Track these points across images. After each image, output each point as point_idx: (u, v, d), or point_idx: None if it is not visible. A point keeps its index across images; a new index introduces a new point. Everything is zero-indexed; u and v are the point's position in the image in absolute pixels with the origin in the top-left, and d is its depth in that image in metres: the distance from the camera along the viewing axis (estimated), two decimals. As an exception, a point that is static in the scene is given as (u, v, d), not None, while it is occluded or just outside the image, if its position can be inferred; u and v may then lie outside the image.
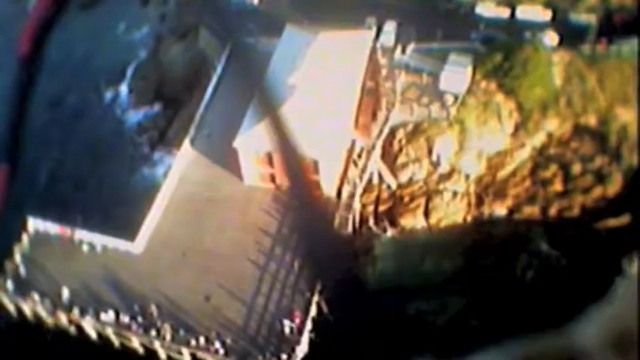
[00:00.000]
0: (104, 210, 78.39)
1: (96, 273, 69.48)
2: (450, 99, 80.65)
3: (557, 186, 79.51)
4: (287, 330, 63.98)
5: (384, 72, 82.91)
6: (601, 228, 76.65)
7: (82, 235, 72.26)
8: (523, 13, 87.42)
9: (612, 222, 76.63)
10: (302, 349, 63.15)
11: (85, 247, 71.88)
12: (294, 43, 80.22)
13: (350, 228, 73.84)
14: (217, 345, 63.76)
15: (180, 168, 78.03)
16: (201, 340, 64.25)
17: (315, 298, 66.20)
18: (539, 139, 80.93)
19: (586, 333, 3.60)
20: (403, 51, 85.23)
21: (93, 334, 69.35)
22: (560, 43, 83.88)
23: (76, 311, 67.58)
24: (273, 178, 74.58)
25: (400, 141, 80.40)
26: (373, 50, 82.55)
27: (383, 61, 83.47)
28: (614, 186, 78.30)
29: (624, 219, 76.43)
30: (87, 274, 69.29)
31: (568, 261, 74.59)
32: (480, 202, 79.59)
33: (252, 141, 71.20)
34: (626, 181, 78.04)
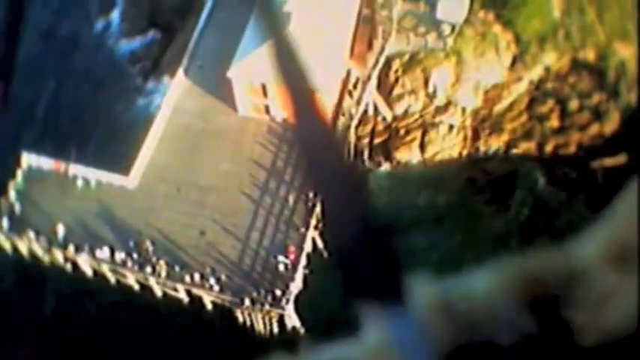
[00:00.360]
0: (98, 143, 77.87)
1: (91, 209, 69.25)
2: (447, 29, 79.07)
3: (554, 122, 78.75)
4: (281, 266, 64.23)
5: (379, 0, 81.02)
6: (597, 167, 76.26)
7: (76, 169, 71.76)
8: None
9: (608, 161, 76.10)
10: (296, 285, 63.57)
11: (79, 183, 71.35)
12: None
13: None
14: (212, 281, 64.12)
15: (173, 98, 76.92)
16: (196, 276, 64.58)
17: (310, 233, 66.27)
18: (536, 72, 79.82)
19: (585, 248, 3.56)
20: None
21: (89, 271, 69.69)
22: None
23: (71, 248, 67.65)
24: (267, 109, 73.79)
25: (396, 71, 79.30)
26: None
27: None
28: (612, 124, 77.51)
29: (621, 158, 75.94)
30: (82, 210, 68.96)
31: (564, 198, 74.58)
32: (476, 136, 78.99)
33: (246, 71, 70.14)
34: (623, 120, 77.24)
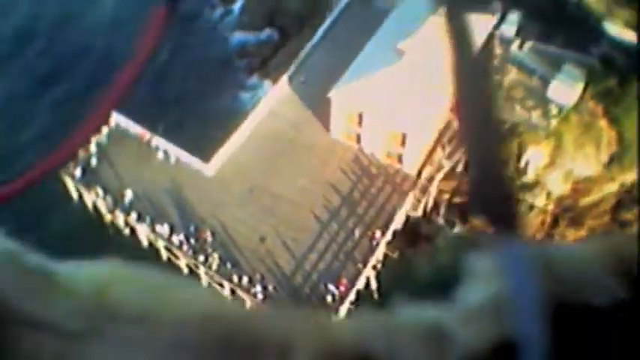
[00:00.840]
0: (188, 124, 78.32)
1: (162, 183, 69.88)
2: (554, 109, 77.80)
3: (634, 231, 76.67)
4: (329, 295, 63.64)
5: (495, 62, 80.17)
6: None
7: (159, 142, 72.52)
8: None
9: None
10: (339, 317, 62.80)
11: (159, 155, 72.23)
12: (415, 9, 77.93)
13: (420, 211, 72.67)
14: (258, 288, 63.82)
15: (272, 101, 77.35)
16: (245, 279, 64.37)
17: (366, 271, 65.65)
18: (630, 177, 77.91)
19: None
20: (521, 46, 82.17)
21: (145, 242, 70.17)
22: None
23: (133, 215, 68.26)
24: (358, 139, 73.56)
25: (494, 137, 78.02)
26: (491, 37, 79.97)
27: (498, 50, 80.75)
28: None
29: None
30: (154, 182, 69.74)
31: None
32: (554, 223, 77.39)
33: (348, 96, 70.18)
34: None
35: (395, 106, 68.77)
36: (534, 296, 2.76)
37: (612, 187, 78.20)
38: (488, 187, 3.02)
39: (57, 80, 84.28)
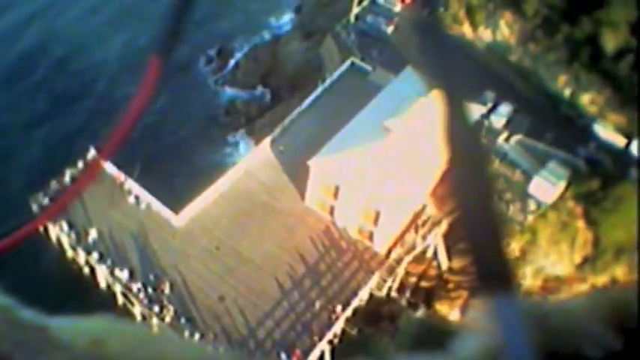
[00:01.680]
0: (163, 172, 77.56)
1: (129, 227, 68.86)
2: (532, 205, 77.59)
3: None
4: (281, 364, 62.22)
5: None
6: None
7: (133, 186, 71.59)
8: (638, 149, 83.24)
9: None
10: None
11: (130, 199, 71.20)
12: (407, 87, 78.07)
13: (385, 291, 71.63)
14: (209, 348, 62.18)
15: (251, 162, 76.74)
16: (197, 336, 62.81)
17: (321, 345, 64.26)
18: (602, 280, 77.40)
19: None
20: (508, 139, 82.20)
21: (102, 284, 68.75)
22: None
23: (95, 255, 67.01)
24: (332, 211, 72.87)
25: (468, 227, 77.51)
26: (478, 126, 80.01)
27: (484, 140, 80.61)
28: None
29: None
30: (121, 225, 68.79)
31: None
32: (520, 318, 76.25)
33: (326, 167, 69.77)
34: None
35: (372, 182, 68.29)
36: (526, 347, 2.80)
37: (582, 288, 77.46)
38: (484, 245, 2.97)
39: (52, 116, 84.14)
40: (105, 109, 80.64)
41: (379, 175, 68.27)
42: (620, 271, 76.87)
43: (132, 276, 66.47)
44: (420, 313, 74.80)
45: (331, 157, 68.68)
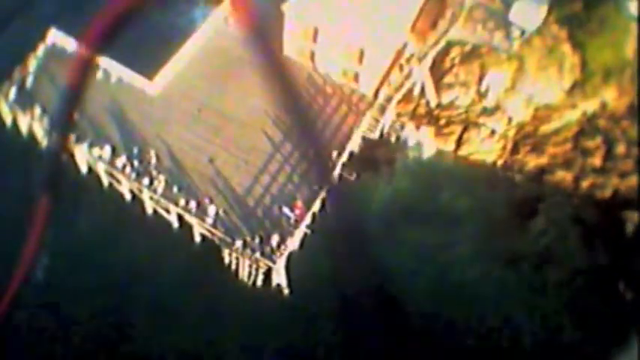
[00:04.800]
0: (130, 41, 72.80)
1: (103, 103, 65.05)
2: (516, 32, 74.59)
3: (597, 160, 74.44)
4: (284, 219, 59.82)
5: (457, -16, 76.62)
6: (628, 218, 72.25)
7: (99, 59, 67.28)
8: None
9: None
10: (294, 242, 59.09)
11: (99, 74, 67.04)
12: None
13: (377, 132, 69.06)
14: (208, 212, 59.67)
15: (219, 19, 72.58)
16: (192, 203, 60.15)
17: (322, 194, 61.95)
18: (592, 105, 75.49)
19: None
20: (483, -33, 78.72)
21: (83, 168, 65.34)
22: (642, 16, 77.24)
23: (72, 137, 63.12)
24: (312, 57, 69.46)
25: (453, 59, 74.80)
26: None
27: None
28: (653, 180, 73.55)
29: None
30: (94, 102, 64.52)
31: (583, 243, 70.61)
32: (515, 149, 74.65)
33: (302, 10, 66.11)
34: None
35: (353, 20, 64.78)
36: None
37: (573, 115, 75.67)
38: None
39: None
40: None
41: (358, 11, 64.71)
42: (610, 95, 75.03)
43: (114, 152, 63.04)
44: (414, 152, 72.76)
45: (306, -2, 64.94)
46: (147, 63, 66.86)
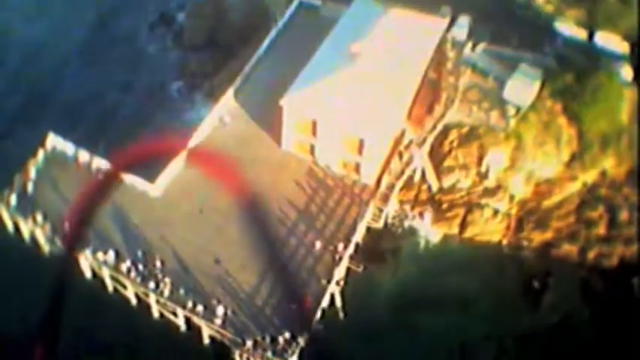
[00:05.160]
0: (131, 144, 73.45)
1: (106, 208, 64.70)
2: (511, 110, 75.44)
3: (601, 229, 74.42)
4: (294, 314, 59.08)
5: (449, 66, 77.51)
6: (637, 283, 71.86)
7: (99, 163, 67.60)
8: (601, 39, 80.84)
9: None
10: (305, 338, 58.20)
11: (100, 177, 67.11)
12: (363, 13, 75.58)
13: (382, 222, 68.87)
14: (216, 313, 58.94)
15: (217, 117, 73.18)
16: (200, 305, 59.44)
17: (331, 288, 61.39)
18: (591, 175, 75.83)
19: None
20: (473, 48, 79.99)
21: (87, 273, 64.86)
22: (635, 79, 77.99)
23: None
24: (312, 150, 69.77)
25: (452, 142, 75.29)
26: (443, 40, 77.51)
27: (451, 54, 78.14)
28: (656, 244, 73.34)
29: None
30: (96, 207, 64.41)
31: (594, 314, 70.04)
32: (519, 227, 74.53)
33: (300, 103, 66.70)
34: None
35: (351, 110, 65.34)
36: None
37: (574, 187, 75.96)
38: None
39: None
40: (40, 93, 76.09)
41: (356, 101, 65.42)
42: (609, 163, 75.50)
43: (118, 257, 62.64)
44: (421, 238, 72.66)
45: (303, 92, 65.61)
46: (147, 165, 67.01)
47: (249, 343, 57.37)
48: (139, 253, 62.49)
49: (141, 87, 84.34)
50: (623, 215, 74.46)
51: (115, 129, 76.09)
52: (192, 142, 70.24)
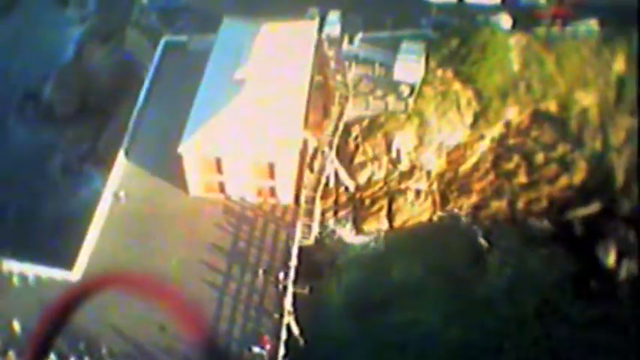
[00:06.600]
0: (37, 238, 69.54)
1: (31, 309, 60.72)
2: (405, 90, 74.80)
3: (522, 178, 75.20)
4: (257, 358, 56.87)
5: (332, 64, 76.36)
6: (572, 218, 72.57)
7: (10, 265, 63.61)
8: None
9: (582, 211, 72.49)
10: (276, 379, 56.13)
11: (15, 280, 63.20)
12: (235, 36, 73.65)
13: (312, 238, 67.33)
14: (181, 381, 56.16)
15: (115, 183, 70.06)
16: (161, 378, 56.60)
17: (285, 319, 59.43)
18: (498, 129, 76.34)
19: None
20: (351, 41, 78.95)
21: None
22: (514, 26, 78.73)
23: (12, 355, 58.85)
24: (222, 188, 67.59)
25: (356, 138, 74.39)
26: (319, 42, 76.40)
27: (330, 52, 77.05)
28: (580, 173, 74.30)
29: (595, 207, 72.37)
30: (20, 311, 60.39)
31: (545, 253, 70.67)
32: (444, 199, 74.42)
33: (199, 145, 64.51)
34: (591, 168, 74.10)
35: (252, 138, 63.53)
36: None
37: (484, 145, 76.30)
38: None
39: None
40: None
41: (254, 127, 63.65)
42: (511, 113, 76.16)
43: (60, 357, 58.75)
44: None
45: (199, 133, 63.57)
46: (61, 253, 63.69)
47: (221, 403, 54.78)
48: (82, 346, 58.80)
49: (20, 179, 79.57)
50: (539, 157, 75.24)
51: (17, 228, 71.74)
52: (99, 217, 67.08)
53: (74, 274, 63.10)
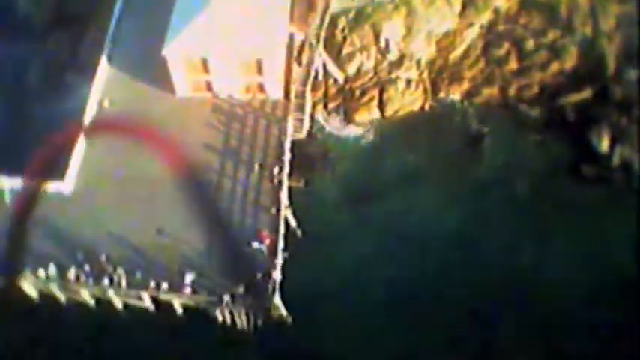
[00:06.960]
0: (21, 153, 68.04)
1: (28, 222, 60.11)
2: (390, -21, 73.08)
3: (513, 64, 74.39)
4: (258, 254, 56.59)
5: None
6: (564, 104, 71.80)
7: (3, 181, 62.48)
8: None
9: (574, 97, 71.60)
10: (278, 271, 55.87)
11: (7, 196, 62.18)
12: None
13: (304, 131, 66.50)
14: (181, 283, 55.91)
15: (100, 90, 68.64)
16: (164, 282, 56.17)
17: (283, 213, 58.99)
18: (486, 16, 75.15)
19: None
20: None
21: (34, 293, 60.46)
22: None
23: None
24: (209, 86, 66.26)
25: (343, 30, 73.07)
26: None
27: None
28: (571, 59, 73.35)
29: (586, 93, 71.58)
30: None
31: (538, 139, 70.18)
32: (435, 87, 73.54)
33: (184, 46, 62.78)
34: (582, 54, 73.30)
35: (237, 36, 61.83)
36: None
37: (473, 33, 75.31)
38: None
39: None
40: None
41: (238, 25, 61.89)
42: (500, 0, 74.53)
43: (60, 267, 58.30)
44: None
45: (184, 35, 62.02)
46: (50, 164, 62.47)
47: (226, 298, 54.80)
48: (80, 256, 58.42)
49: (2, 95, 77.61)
50: (529, 44, 74.28)
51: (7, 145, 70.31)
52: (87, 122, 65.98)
53: (67, 185, 62.35)
